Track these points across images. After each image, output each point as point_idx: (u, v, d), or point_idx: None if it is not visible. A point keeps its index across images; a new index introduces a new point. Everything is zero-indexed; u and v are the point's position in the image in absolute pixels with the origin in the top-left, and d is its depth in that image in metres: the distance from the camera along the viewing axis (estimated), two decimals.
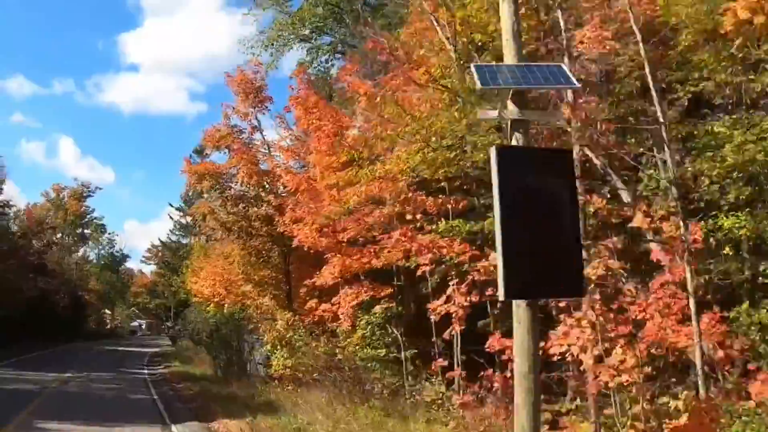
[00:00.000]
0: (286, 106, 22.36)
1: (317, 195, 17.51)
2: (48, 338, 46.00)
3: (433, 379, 13.15)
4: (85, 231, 78.17)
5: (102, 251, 77.65)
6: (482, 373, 10.33)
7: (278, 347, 17.92)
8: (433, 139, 10.95)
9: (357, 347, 17.21)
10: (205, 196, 24.70)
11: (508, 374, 10.17)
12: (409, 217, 12.01)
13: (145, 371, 27.47)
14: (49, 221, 58.54)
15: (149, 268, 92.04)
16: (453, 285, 10.87)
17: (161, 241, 67.77)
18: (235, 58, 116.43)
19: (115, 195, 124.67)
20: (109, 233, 76.07)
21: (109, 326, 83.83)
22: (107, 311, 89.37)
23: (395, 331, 17.02)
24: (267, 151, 22.66)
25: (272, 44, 24.60)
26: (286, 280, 22.03)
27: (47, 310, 50.65)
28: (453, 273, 11.20)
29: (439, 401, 12.41)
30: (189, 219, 68.09)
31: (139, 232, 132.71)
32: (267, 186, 21.79)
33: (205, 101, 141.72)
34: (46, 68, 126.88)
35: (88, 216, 77.71)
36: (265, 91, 22.71)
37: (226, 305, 33.02)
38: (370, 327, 17.36)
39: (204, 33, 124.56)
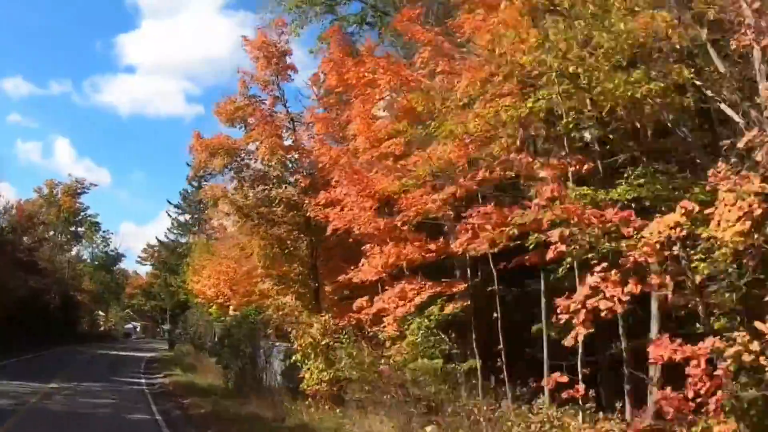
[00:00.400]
0: (316, 74, 19.11)
1: (357, 173, 14.18)
2: (38, 340, 42.62)
3: (541, 399, 9.78)
4: (79, 229, 74.56)
5: (96, 250, 73.87)
6: (661, 392, 7.03)
7: (311, 356, 14.52)
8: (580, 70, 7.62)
9: (406, 356, 13.88)
10: (213, 180, 21.23)
11: (689, 394, 6.98)
12: (542, 174, 8.64)
13: (143, 381, 23.95)
14: (40, 217, 54.88)
15: (145, 269, 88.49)
16: (599, 271, 7.52)
17: (159, 240, 64.32)
18: (234, 61, 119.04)
19: (112, 197, 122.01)
20: (104, 232, 72.30)
21: (102, 328, 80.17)
22: (101, 313, 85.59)
23: (443, 336, 13.78)
24: (291, 126, 19.29)
25: (297, 6, 21.15)
26: (313, 275, 18.64)
27: (38, 311, 47.22)
28: (591, 255, 7.87)
29: (552, 430, 9.05)
30: (188, 217, 64.68)
31: (135, 235, 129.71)
32: (292, 164, 18.42)
33: (203, 104, 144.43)
34: (44, 69, 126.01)
35: (82, 213, 74.13)
36: (290, 56, 19.39)
37: (231, 307, 29.67)
38: (422, 332, 14.05)
39: (202, 35, 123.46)
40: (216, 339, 27.32)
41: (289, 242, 18.57)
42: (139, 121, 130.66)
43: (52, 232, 69.22)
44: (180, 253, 59.09)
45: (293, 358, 14.95)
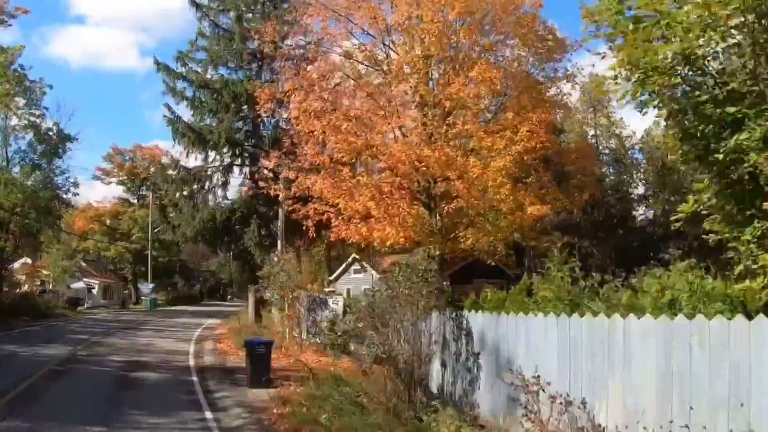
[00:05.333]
0: None
1: None
2: None
3: None
4: None
5: (18, 126, 35.71)
6: None
7: None
8: None
9: None
10: None
11: None
12: None
13: None
14: None
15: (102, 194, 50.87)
16: None
17: (161, 66, 26.15)
18: (188, 11, 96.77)
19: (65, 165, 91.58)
20: (33, 82, 34.23)
21: (26, 288, 42.91)
22: (27, 260, 48.29)
23: None
24: None
25: None
26: None
27: None
28: None
29: None
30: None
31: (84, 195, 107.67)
32: None
33: (157, 57, 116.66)
34: None
35: None
36: None
37: None
38: None
39: None
40: None
41: None
42: (91, 74, 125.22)
43: None
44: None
45: None
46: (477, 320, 9.07)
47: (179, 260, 70.79)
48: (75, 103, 70.72)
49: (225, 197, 25.80)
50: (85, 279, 53.22)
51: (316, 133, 18.21)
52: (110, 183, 64.70)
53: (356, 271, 33.43)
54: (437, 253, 21.12)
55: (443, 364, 9.86)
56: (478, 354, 8.91)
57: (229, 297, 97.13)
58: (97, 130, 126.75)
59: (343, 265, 33.75)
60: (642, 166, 32.35)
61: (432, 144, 18.47)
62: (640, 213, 32.81)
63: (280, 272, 18.90)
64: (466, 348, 9.24)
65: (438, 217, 21.07)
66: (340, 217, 19.90)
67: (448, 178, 19.89)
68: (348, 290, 32.85)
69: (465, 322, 9.29)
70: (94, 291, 54.00)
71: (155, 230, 51.12)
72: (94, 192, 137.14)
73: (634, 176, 31.65)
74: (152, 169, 63.70)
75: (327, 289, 29.88)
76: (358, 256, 32.33)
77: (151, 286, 53.08)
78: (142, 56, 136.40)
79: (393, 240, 19.40)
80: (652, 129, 33.97)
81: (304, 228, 20.15)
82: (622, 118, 33.36)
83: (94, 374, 13.53)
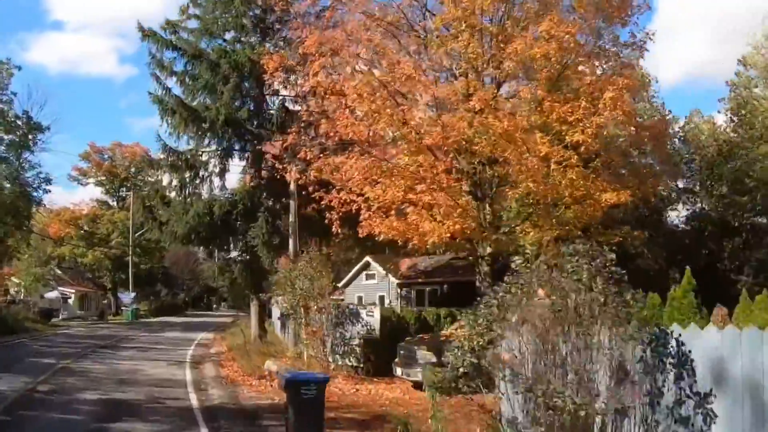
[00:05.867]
0: None
1: None
2: None
3: None
4: None
5: None
6: None
7: None
8: None
9: None
10: None
11: None
12: None
13: None
14: None
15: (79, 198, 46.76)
16: None
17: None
18: (168, 16, 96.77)
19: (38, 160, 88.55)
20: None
21: None
22: None
23: None
24: None
25: None
26: None
27: None
28: None
29: None
30: None
31: (59, 202, 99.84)
32: None
33: (135, 64, 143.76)
34: None
35: None
36: None
37: None
38: None
39: None
40: None
41: None
42: (70, 81, 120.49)
43: None
44: None
45: None
46: (703, 341, 5.45)
47: (162, 267, 66.48)
48: (48, 93, 69.39)
49: (223, 187, 22.01)
50: (60, 288, 48.71)
51: (348, 99, 14.52)
52: (87, 184, 60.43)
53: (368, 277, 29.71)
54: (489, 251, 17.67)
55: (619, 409, 6.18)
56: (707, 395, 5.29)
57: (214, 306, 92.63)
58: (75, 137, 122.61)
59: (354, 270, 29.95)
60: (685, 156, 29.05)
61: (483, 116, 14.85)
62: (687, 207, 29.55)
63: (300, 276, 15.18)
64: (675, 385, 5.61)
65: (488, 209, 17.55)
66: (370, 209, 16.30)
67: (498, 161, 16.43)
68: (359, 298, 29.05)
69: (672, 344, 5.65)
70: (70, 301, 49.49)
71: (138, 233, 46.98)
72: (73, 198, 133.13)
73: (681, 166, 28.37)
74: (132, 169, 59.48)
75: (333, 297, 26.18)
76: (370, 259, 28.60)
77: (132, 295, 48.90)
78: (121, 63, 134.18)
79: (438, 235, 15.76)
80: (693, 115, 30.79)
81: (326, 222, 16.43)
82: (663, 103, 29.87)
83: (53, 429, 9.24)
